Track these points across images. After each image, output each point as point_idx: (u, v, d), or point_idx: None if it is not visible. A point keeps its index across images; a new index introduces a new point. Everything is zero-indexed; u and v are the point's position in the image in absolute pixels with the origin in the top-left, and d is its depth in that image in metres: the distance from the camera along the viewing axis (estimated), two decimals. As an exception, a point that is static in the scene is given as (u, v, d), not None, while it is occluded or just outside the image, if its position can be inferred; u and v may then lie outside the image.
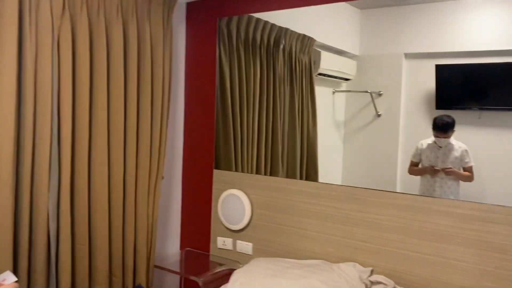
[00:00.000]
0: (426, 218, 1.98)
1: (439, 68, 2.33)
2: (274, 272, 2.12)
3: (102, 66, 2.18)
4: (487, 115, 2.21)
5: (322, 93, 2.72)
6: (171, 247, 2.81)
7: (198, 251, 2.78)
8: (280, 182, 2.44)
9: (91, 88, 2.17)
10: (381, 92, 2.54)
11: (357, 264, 2.16)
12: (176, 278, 2.83)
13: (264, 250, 2.50)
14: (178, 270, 2.64)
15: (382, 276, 2.07)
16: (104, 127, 2.21)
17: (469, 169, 2.19)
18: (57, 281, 2.10)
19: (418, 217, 2.00)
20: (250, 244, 2.55)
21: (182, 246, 2.86)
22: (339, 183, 2.43)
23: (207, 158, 2.73)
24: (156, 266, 2.52)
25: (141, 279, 2.42)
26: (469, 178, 2.20)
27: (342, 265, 2.16)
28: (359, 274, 2.10)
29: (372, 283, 2.07)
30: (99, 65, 2.18)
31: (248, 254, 2.55)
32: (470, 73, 2.30)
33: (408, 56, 2.46)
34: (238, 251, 2.59)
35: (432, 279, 1.96)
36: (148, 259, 2.46)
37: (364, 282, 2.06)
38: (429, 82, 2.37)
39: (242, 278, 2.15)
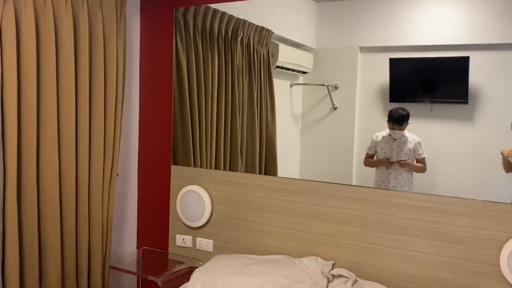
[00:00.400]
0: (386, 211, 2.01)
1: (393, 62, 2.36)
2: (236, 269, 2.09)
3: (50, 58, 2.04)
4: (439, 107, 2.27)
5: (280, 86, 2.71)
6: (127, 246, 2.71)
7: (156, 249, 2.70)
8: (241, 177, 2.40)
9: (39, 81, 2.03)
10: (337, 85, 2.55)
11: (319, 258, 2.16)
12: (134, 278, 2.73)
13: (225, 247, 2.45)
14: (135, 270, 2.55)
15: (344, 269, 2.08)
16: (54, 122, 2.08)
17: (422, 161, 2.24)
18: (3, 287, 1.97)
19: (378, 210, 2.03)
20: (211, 241, 2.50)
21: (139, 245, 2.77)
22: (297, 176, 2.43)
23: (164, 153, 2.64)
24: (112, 267, 2.42)
25: (97, 281, 2.32)
26: (422, 169, 2.26)
27: (304, 259, 2.16)
28: (321, 268, 2.10)
29: (334, 276, 2.08)
30: (46, 58, 2.04)
31: (209, 252, 2.50)
32: (422, 66, 2.35)
33: (363, 49, 2.48)
34: (198, 248, 2.53)
35: (392, 271, 2.00)
36: (104, 260, 2.35)
37: (326, 276, 2.07)
38: (384, 76, 2.41)
39: (203, 277, 2.10)
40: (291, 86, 2.75)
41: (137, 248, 2.76)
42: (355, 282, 2.00)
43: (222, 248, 2.46)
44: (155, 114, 2.67)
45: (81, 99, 2.19)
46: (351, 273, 2.06)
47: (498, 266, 1.77)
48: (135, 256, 2.66)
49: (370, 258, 2.05)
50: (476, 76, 2.18)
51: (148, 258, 2.64)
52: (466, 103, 2.19)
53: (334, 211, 2.14)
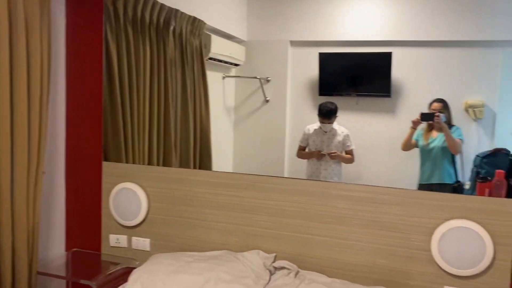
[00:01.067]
0: (325, 202, 2.07)
1: (321, 56, 2.44)
2: (177, 268, 2.04)
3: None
4: (364, 101, 2.39)
5: (212, 78, 2.68)
6: (54, 249, 2.52)
7: (88, 251, 2.54)
8: (180, 173, 2.34)
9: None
10: (269, 78, 2.58)
11: (260, 251, 2.18)
12: (63, 284, 2.56)
13: (164, 245, 2.38)
14: (64, 274, 2.39)
15: (286, 261, 2.12)
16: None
17: (350, 152, 2.35)
18: None
19: (318, 202, 2.08)
20: (148, 240, 2.41)
21: (68, 247, 2.59)
22: (230, 170, 2.43)
23: (94, 149, 2.49)
24: (39, 273, 2.24)
25: (23, 289, 2.13)
26: (350, 160, 2.37)
27: (246, 253, 2.16)
28: (263, 261, 2.12)
29: (276, 268, 2.11)
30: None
31: (146, 251, 2.41)
32: (348, 61, 2.46)
33: (293, 43, 2.53)
34: (134, 248, 2.43)
35: (332, 260, 2.07)
36: (30, 265, 2.17)
37: (268, 269, 2.09)
38: (313, 70, 2.47)
39: (142, 277, 2.02)
40: (223, 78, 2.72)
41: (66, 250, 2.59)
42: (297, 273, 2.05)
43: (160, 247, 2.39)
44: (83, 108, 2.50)
45: (1, 96, 1.98)
46: (292, 264, 2.11)
47: (429, 250, 1.91)
48: (64, 259, 2.49)
49: (310, 248, 2.11)
50: (398, 71, 2.31)
51: (78, 260, 2.48)
52: (389, 96, 2.32)
53: (275, 204, 2.17)
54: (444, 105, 2.14)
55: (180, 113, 2.60)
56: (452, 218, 1.87)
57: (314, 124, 2.48)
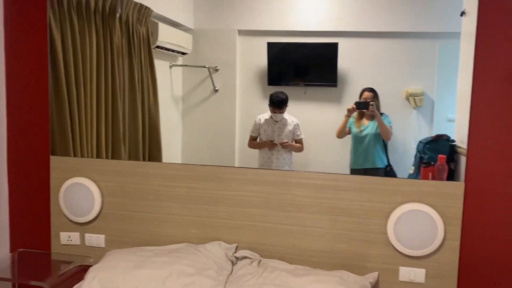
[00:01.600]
0: (285, 191, 2.10)
1: (270, 46, 2.46)
2: (137, 263, 1.99)
3: None
4: (311, 90, 2.44)
5: (159, 67, 2.61)
6: (-3, 250, 2.35)
7: (36, 251, 2.40)
8: (134, 166, 2.26)
9: None
10: (217, 67, 2.56)
11: (222, 242, 2.17)
12: (9, 287, 2.40)
13: (119, 241, 2.30)
14: (10, 276, 2.24)
15: (248, 251, 2.13)
16: None
17: (300, 141, 2.40)
18: None
19: (278, 191, 2.11)
20: (102, 236, 2.31)
21: (13, 248, 2.42)
22: (179, 161, 2.40)
23: (40, 143, 2.34)
24: (-18, 278, 2.09)
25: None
26: (300, 149, 2.42)
27: (207, 245, 2.15)
28: (225, 251, 2.12)
29: (238, 258, 2.12)
30: None
31: (100, 247, 2.31)
32: (296, 51, 2.49)
33: (241, 32, 2.52)
34: (88, 245, 2.33)
35: (293, 247, 2.12)
36: (-28, 271, 2.01)
37: (230, 259, 2.10)
38: (262, 59, 2.49)
39: (100, 275, 1.95)
40: (170, 67, 2.66)
41: (10, 251, 2.42)
42: (259, 262, 2.07)
43: (115, 243, 2.31)
44: (26, 100, 2.33)
45: None
46: (255, 253, 2.12)
47: (386, 234, 2.01)
48: (9, 261, 2.33)
49: (272, 237, 2.14)
50: (344, 61, 2.38)
51: (26, 261, 2.33)
52: (336, 86, 2.38)
53: (235, 195, 2.17)
54: (374, 94, 2.23)
55: (128, 104, 2.51)
56: (406, 202, 1.98)
57: (265, 113, 2.49)
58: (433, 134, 2.18)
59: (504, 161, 1.91)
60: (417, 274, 2.00)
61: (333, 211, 2.06)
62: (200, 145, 2.60)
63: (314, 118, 2.45)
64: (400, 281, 2.02)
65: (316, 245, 2.09)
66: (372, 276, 2.00)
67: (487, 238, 1.95)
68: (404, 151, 2.29)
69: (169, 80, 2.67)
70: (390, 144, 2.29)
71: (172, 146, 2.60)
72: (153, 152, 2.59)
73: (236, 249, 2.18)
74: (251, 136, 2.49)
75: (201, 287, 1.85)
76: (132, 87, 2.51)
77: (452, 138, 2.12)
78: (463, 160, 2.00)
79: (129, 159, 2.47)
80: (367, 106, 2.21)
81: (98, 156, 2.39)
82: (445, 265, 1.97)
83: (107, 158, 2.42)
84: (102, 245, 2.32)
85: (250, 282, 1.89)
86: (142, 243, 2.28)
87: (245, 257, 2.11)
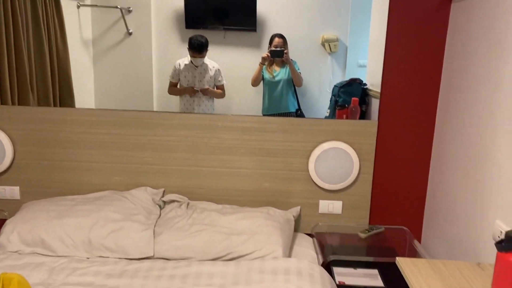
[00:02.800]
0: (212, 134, 2.12)
1: None
2: (60, 213, 1.91)
3: None
4: (231, 35, 2.43)
5: (65, 7, 2.40)
6: None
7: None
8: (47, 112, 2.11)
9: None
10: (130, 8, 2.43)
11: (148, 188, 2.16)
12: None
13: (37, 192, 2.18)
14: None
15: (175, 195, 2.15)
16: None
17: (221, 87, 2.41)
18: None
19: (205, 134, 2.12)
20: (16, 188, 2.16)
21: None
22: (93, 106, 2.29)
23: None
24: None
25: None
26: (222, 95, 2.43)
27: (133, 191, 2.12)
28: (152, 197, 2.11)
29: (166, 202, 2.13)
30: None
31: (15, 200, 2.17)
32: None
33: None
34: (1, 198, 2.17)
35: (221, 188, 2.17)
36: None
37: (157, 204, 2.10)
38: (178, 1, 2.40)
39: (19, 227, 1.85)
40: (78, 7, 2.47)
41: None
42: (188, 204, 2.10)
43: (32, 194, 2.18)
44: None
45: None
46: (183, 196, 2.15)
47: (307, 171, 2.14)
48: None
49: (199, 180, 2.17)
50: (263, 5, 2.38)
51: None
52: (255, 31, 2.39)
53: (159, 140, 2.13)
54: (284, 40, 2.28)
55: (33, 46, 2.30)
56: (326, 141, 2.11)
57: (184, 58, 2.43)
58: (346, 79, 2.29)
59: (412, 102, 2.10)
60: (335, 206, 2.17)
61: (259, 152, 2.12)
62: (115, 92, 2.48)
63: (234, 63, 2.44)
64: (320, 213, 2.18)
65: (243, 185, 2.16)
66: (295, 210, 2.14)
67: (394, 171, 2.17)
68: (319, 95, 2.39)
69: (77, 22, 2.46)
70: (306, 88, 2.37)
71: (85, 92, 2.45)
72: (64, 97, 2.42)
73: (164, 193, 2.18)
74: (171, 82, 2.42)
75: (130, 232, 1.84)
76: (36, 28, 2.29)
77: (364, 82, 2.25)
78: (373, 102, 2.15)
79: (39, 105, 2.29)
80: (281, 54, 2.24)
81: (4, 102, 2.18)
82: (360, 197, 2.16)
83: (13, 104, 2.22)
84: (17, 197, 2.17)
85: (180, 224, 1.92)
86: (62, 193, 2.18)
87: (173, 201, 2.12)
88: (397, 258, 1.32)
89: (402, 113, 2.11)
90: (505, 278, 0.93)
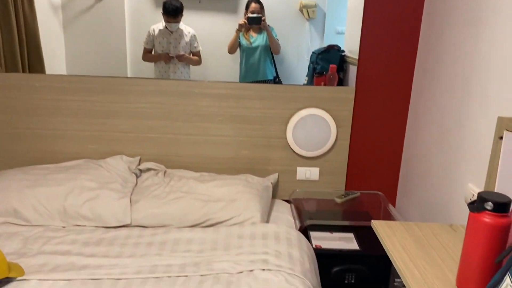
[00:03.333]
0: (188, 101, 2.08)
1: None
2: (32, 182, 1.87)
3: None
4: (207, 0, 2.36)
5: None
6: None
7: None
8: (18, 78, 2.03)
9: None
10: None
11: (124, 156, 2.12)
12: None
13: (6, 162, 2.12)
14: None
15: (152, 163, 2.12)
16: None
17: (197, 54, 2.36)
18: None
19: (181, 101, 2.08)
20: (-14, 157, 2.10)
21: None
22: (64, 73, 2.22)
23: None
24: None
25: None
26: (198, 62, 2.39)
27: (108, 159, 2.08)
28: (128, 165, 2.08)
29: (142, 171, 2.10)
30: None
31: (-15, 169, 2.12)
32: None
33: None
34: (-31, 168, 2.11)
35: (198, 156, 2.15)
36: None
37: (134, 172, 2.07)
38: None
39: (-10, 197, 1.81)
40: (44, -31, 2.35)
41: None
42: (165, 172, 2.08)
43: (2, 164, 2.12)
44: None
45: None
46: (159, 165, 2.12)
47: (285, 138, 2.13)
48: None
49: (176, 148, 2.14)
50: None
51: None
52: None
53: (135, 107, 2.09)
54: (261, 6, 2.24)
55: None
56: (304, 107, 2.10)
57: (158, 23, 2.36)
58: (324, 45, 2.27)
59: (389, 68, 2.10)
60: (312, 172, 2.19)
61: (236, 119, 2.10)
62: (87, 58, 2.40)
63: (210, 29, 2.38)
64: (298, 180, 2.20)
65: (221, 153, 2.14)
66: (273, 177, 2.15)
67: (370, 138, 2.19)
68: (297, 62, 2.36)
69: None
70: (284, 56, 2.34)
71: (55, 59, 2.36)
72: (33, 64, 2.33)
73: (140, 162, 2.15)
74: (145, 48, 2.35)
75: (106, 200, 1.82)
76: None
77: (342, 49, 2.24)
78: (351, 69, 2.14)
79: (6, 71, 2.21)
80: (259, 21, 2.19)
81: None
82: (336, 163, 2.18)
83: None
84: (-13, 167, 2.12)
85: (157, 192, 1.90)
86: (34, 162, 2.12)
87: (149, 169, 2.10)
88: (372, 221, 1.35)
89: (379, 80, 2.11)
90: (475, 237, 0.95)
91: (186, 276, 1.46)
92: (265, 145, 2.14)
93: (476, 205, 0.96)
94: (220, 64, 2.32)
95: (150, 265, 1.51)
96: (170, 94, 2.07)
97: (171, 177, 2.02)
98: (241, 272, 1.48)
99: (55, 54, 2.31)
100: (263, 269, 1.48)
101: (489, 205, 0.93)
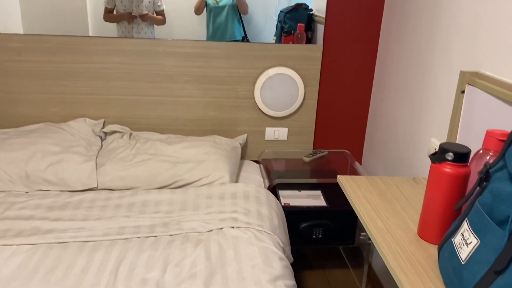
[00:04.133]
0: (152, 61, 2.02)
1: None
2: (-10, 147, 1.80)
3: None
4: None
5: None
6: None
7: None
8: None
9: None
10: None
11: (87, 119, 2.06)
12: None
13: (-38, 126, 2.03)
14: None
15: (117, 125, 2.07)
16: None
17: (161, 13, 2.29)
18: None
19: (144, 61, 2.02)
20: None
21: None
22: (21, 32, 2.11)
23: None
24: None
25: None
26: (162, 22, 2.32)
27: (71, 123, 2.02)
28: (92, 128, 2.03)
29: (107, 133, 2.05)
30: None
31: None
32: None
33: None
34: None
35: (165, 118, 2.11)
36: None
37: (98, 135, 2.02)
38: None
39: None
40: None
41: None
42: (130, 135, 2.04)
43: (-43, 129, 2.02)
44: None
45: None
46: (124, 127, 2.07)
47: (253, 98, 2.11)
48: None
49: (141, 109, 2.09)
50: None
51: None
52: None
53: (97, 68, 2.01)
54: None
55: None
56: (271, 66, 2.08)
57: (120, -20, 2.26)
58: (292, 4, 2.23)
59: (356, 26, 2.09)
60: (281, 132, 2.20)
61: (203, 79, 2.06)
62: (45, 17, 2.28)
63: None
64: (266, 140, 2.20)
65: (188, 114, 2.11)
66: (242, 138, 2.14)
67: (337, 97, 2.20)
68: (265, 21, 2.32)
69: None
70: (252, 15, 2.29)
71: (9, 17, 2.23)
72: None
73: (104, 124, 2.09)
74: (106, 8, 2.25)
75: (70, 164, 1.77)
76: None
77: (310, 7, 2.21)
78: (319, 28, 2.12)
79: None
80: None
81: None
82: (304, 122, 2.19)
83: None
84: None
85: (123, 154, 1.87)
86: (-11, 127, 2.04)
87: (114, 132, 2.05)
88: (338, 176, 1.37)
89: (346, 38, 2.10)
90: (436, 187, 0.98)
91: (155, 236, 1.46)
92: (233, 106, 2.12)
93: (438, 156, 0.98)
94: (186, 25, 2.25)
95: (118, 227, 1.50)
96: (133, 54, 2.00)
97: (137, 139, 1.98)
98: (210, 231, 1.49)
99: (9, 12, 2.18)
100: (233, 227, 1.50)
101: (449, 156, 0.95)
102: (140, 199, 1.67)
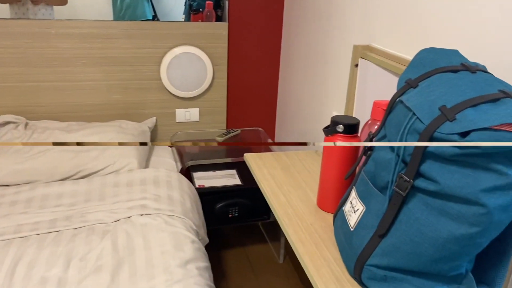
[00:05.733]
0: (45, 44, 1.86)
1: None
2: None
3: None
4: None
5: None
6: None
7: None
8: None
9: None
10: None
11: (-25, 110, 1.87)
12: None
13: None
14: None
15: (10, 115, 1.89)
16: None
17: None
18: None
19: (37, 44, 1.85)
20: None
21: None
22: None
23: None
24: None
25: None
26: (62, 2, 2.16)
27: (-45, 115, 1.82)
28: (-19, 120, 1.85)
29: (1, 125, 1.88)
30: None
31: None
32: None
33: None
34: None
35: (64, 105, 1.97)
36: None
37: (-11, 127, 1.85)
38: None
39: None
40: None
41: None
42: (26, 124, 1.89)
43: None
44: None
45: None
46: (19, 117, 1.91)
47: (160, 79, 2.04)
48: None
49: (37, 97, 1.93)
50: None
51: None
52: None
53: (-20, 53, 1.82)
54: None
55: None
56: (177, 45, 2.01)
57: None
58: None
59: (257, 2, 2.08)
60: (192, 113, 2.15)
61: (104, 61, 1.95)
62: None
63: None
64: (177, 122, 2.15)
65: (90, 99, 1.99)
66: (150, 121, 2.07)
67: (247, 75, 2.20)
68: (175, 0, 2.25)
69: None
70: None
71: None
72: None
73: (-4, 115, 1.92)
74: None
75: (-44, 161, 1.61)
76: None
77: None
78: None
79: None
80: None
81: None
82: (216, 102, 2.16)
83: None
84: None
85: (18, 146, 1.72)
86: None
87: (8, 122, 1.88)
88: (244, 154, 1.37)
89: (251, 15, 2.09)
90: (330, 159, 1.01)
91: (57, 231, 1.37)
92: (139, 88, 2.03)
93: (330, 129, 1.01)
94: (90, 5, 2.10)
95: (14, 224, 1.39)
96: (22, 37, 1.83)
97: (34, 129, 1.84)
98: (118, 220, 1.43)
99: None
100: (141, 214, 1.45)
101: (340, 128, 0.98)
102: (39, 193, 1.56)
